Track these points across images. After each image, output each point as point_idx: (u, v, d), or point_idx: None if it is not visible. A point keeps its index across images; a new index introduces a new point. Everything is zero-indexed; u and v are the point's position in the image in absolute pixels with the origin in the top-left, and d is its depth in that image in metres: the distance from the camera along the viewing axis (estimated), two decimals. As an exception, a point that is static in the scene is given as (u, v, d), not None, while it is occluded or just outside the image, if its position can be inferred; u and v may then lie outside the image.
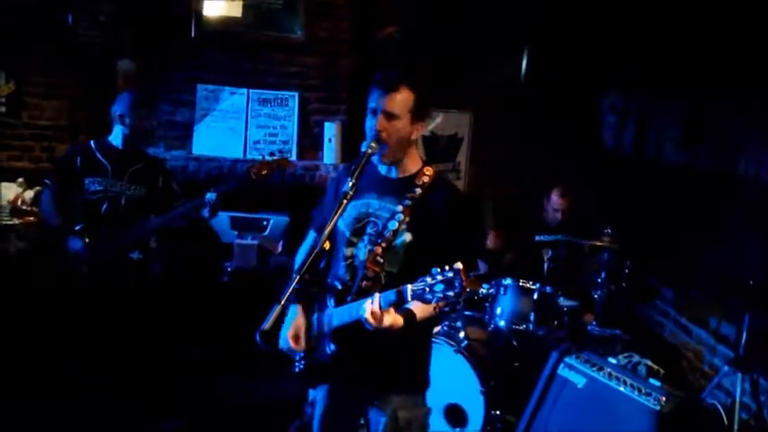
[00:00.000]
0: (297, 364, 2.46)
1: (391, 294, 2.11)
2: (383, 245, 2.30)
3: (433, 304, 2.04)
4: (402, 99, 2.27)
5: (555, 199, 4.51)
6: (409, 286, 2.06)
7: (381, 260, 2.30)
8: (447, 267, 1.99)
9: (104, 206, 3.66)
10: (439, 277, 1.99)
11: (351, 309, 2.25)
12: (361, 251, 2.35)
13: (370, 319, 2.11)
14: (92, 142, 3.79)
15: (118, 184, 3.69)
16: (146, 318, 3.79)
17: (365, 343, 2.26)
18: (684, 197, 4.29)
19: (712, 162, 4.08)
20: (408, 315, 2.20)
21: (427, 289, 2.01)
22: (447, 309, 2.10)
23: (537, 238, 4.30)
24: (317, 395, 2.52)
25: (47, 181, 3.77)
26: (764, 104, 3.61)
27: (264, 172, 3.68)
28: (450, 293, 1.98)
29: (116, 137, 3.75)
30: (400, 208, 2.33)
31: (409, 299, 2.07)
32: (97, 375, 3.64)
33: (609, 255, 4.00)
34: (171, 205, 3.77)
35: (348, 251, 2.38)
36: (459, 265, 1.97)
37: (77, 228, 3.59)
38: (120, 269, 3.67)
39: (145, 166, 3.81)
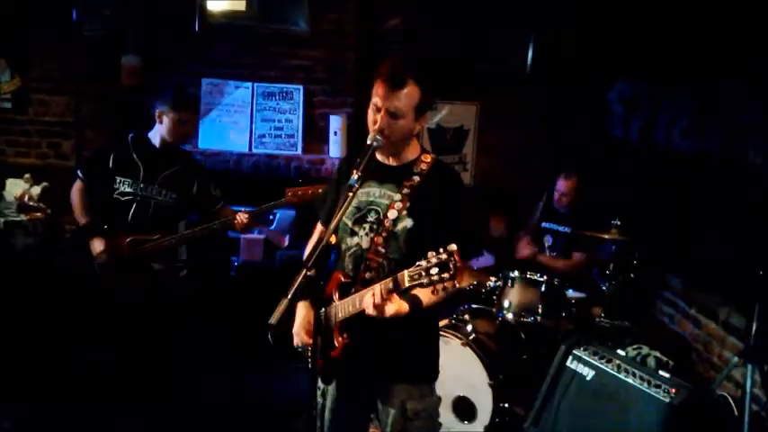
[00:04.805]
0: (309, 359, 2.45)
1: (389, 282, 2.10)
2: (383, 234, 2.30)
3: (432, 288, 2.02)
4: (407, 96, 2.23)
5: (560, 182, 4.53)
6: (405, 271, 2.05)
7: (383, 250, 2.30)
8: (441, 250, 1.98)
9: (132, 210, 3.51)
10: (433, 260, 1.98)
11: (354, 300, 2.24)
12: (364, 240, 2.35)
13: (373, 312, 2.10)
14: (130, 137, 3.60)
15: (149, 188, 3.53)
16: (159, 319, 3.64)
17: (371, 333, 2.26)
18: (693, 186, 4.26)
19: (722, 150, 4.05)
20: (414, 301, 2.20)
21: (423, 273, 2.00)
22: (447, 291, 2.07)
23: (543, 224, 4.29)
24: (328, 388, 2.52)
25: (78, 172, 3.63)
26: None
27: (300, 193, 3.48)
28: (446, 275, 1.96)
29: (155, 135, 3.57)
30: (399, 196, 2.32)
31: (406, 284, 2.05)
32: (105, 372, 3.64)
33: (617, 246, 3.98)
34: (208, 210, 3.67)
35: (351, 241, 2.38)
36: (453, 247, 1.96)
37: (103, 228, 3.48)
38: (139, 279, 3.53)
39: (180, 170, 3.62)
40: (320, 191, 3.57)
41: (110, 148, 3.61)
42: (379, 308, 2.10)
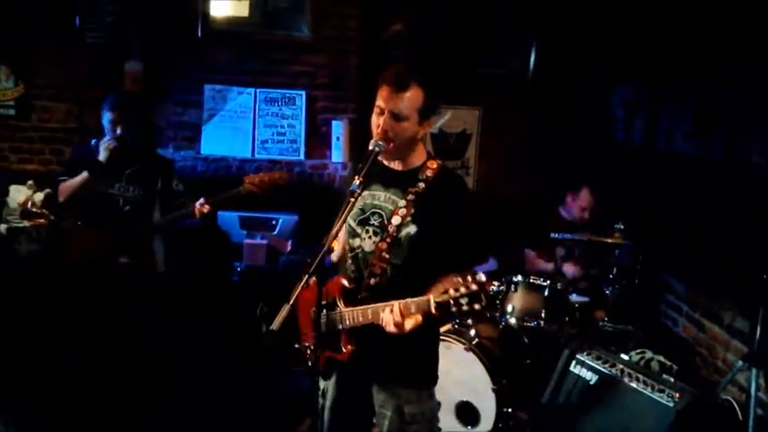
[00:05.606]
0: (309, 359, 2.45)
1: (411, 306, 2.13)
2: (387, 240, 2.30)
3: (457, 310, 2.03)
4: (410, 98, 2.24)
5: (585, 197, 4.46)
6: (432, 297, 2.07)
7: (387, 255, 2.30)
8: (470, 278, 1.99)
9: (103, 208, 3.73)
10: (463, 289, 2.00)
11: (366, 312, 2.25)
12: (366, 243, 2.35)
13: (394, 330, 2.15)
14: (92, 142, 3.83)
15: (116, 186, 3.75)
16: (146, 319, 3.76)
17: (375, 340, 2.27)
18: (696, 189, 4.26)
19: (724, 152, 4.05)
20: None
21: (452, 302, 2.01)
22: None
23: (553, 235, 4.27)
24: (328, 388, 2.52)
25: (58, 177, 3.86)
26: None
27: (258, 181, 3.57)
28: (477, 306, 1.99)
29: None
30: (403, 202, 2.32)
31: (433, 311, 2.08)
32: (101, 376, 3.66)
33: (621, 250, 3.97)
34: (171, 204, 3.82)
35: (353, 242, 2.39)
36: (482, 278, 1.98)
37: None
38: (105, 272, 3.70)
39: (142, 167, 3.83)
40: (277, 177, 3.64)
41: (77, 153, 3.97)
42: (399, 326, 2.15)
